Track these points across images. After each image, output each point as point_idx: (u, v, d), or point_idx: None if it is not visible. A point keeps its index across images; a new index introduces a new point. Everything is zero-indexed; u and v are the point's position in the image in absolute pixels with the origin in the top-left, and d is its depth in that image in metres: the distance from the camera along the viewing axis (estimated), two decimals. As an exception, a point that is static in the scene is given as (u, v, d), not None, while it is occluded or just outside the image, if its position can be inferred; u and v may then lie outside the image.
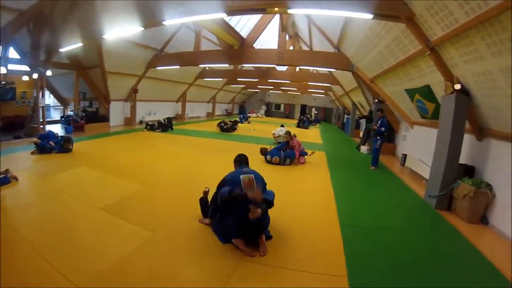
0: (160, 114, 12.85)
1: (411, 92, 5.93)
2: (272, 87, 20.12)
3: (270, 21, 9.14)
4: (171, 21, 5.41)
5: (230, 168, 3.24)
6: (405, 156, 7.41)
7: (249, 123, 16.83)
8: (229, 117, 18.63)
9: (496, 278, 2.50)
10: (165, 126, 10.52)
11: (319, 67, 9.59)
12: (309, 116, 21.29)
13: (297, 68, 12.78)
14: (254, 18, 9.60)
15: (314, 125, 19.45)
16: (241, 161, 3.20)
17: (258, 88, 22.03)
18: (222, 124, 11.75)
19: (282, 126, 10.49)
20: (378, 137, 6.71)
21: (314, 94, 23.02)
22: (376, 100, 8.63)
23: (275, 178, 5.01)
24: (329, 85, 14.65)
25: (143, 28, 5.84)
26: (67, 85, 11.00)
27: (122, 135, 9.24)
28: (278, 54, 8.17)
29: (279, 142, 8.98)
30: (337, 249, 2.78)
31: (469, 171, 4.25)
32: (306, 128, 16.51)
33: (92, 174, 4.79)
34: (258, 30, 8.69)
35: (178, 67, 9.97)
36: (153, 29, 8.05)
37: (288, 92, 24.09)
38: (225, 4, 4.69)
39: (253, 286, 2.14)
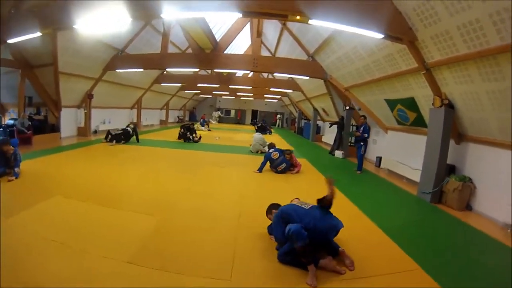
0: (115, 123, 12.42)
1: (392, 102, 7.50)
2: (228, 93, 20.89)
3: (245, 25, 9.78)
4: (173, 14, 5.50)
5: (238, 185, 3.77)
6: (380, 158, 9.12)
7: (209, 130, 17.32)
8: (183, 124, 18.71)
9: (479, 235, 4.09)
10: (130, 136, 9.97)
11: (294, 75, 10.74)
12: (264, 122, 22.73)
13: (267, 75, 13.81)
14: (228, 22, 10.07)
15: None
16: (276, 204, 3.43)
17: (212, 94, 22.67)
18: (188, 135, 11.63)
19: (258, 132, 11.24)
20: (362, 143, 8.11)
21: (268, 99, 24.91)
22: (348, 107, 10.26)
23: (291, 187, 5.73)
24: (291, 91, 16.17)
25: (131, 19, 5.74)
26: (8, 88, 9.65)
27: (80, 149, 8.53)
28: (253, 60, 8.92)
29: (262, 152, 9.74)
30: (394, 248, 3.45)
31: (451, 169, 5.85)
32: (270, 133, 17.80)
33: (76, 206, 3.98)
34: (231, 35, 9.22)
35: (137, 70, 9.70)
36: (118, 25, 7.74)
37: (241, 98, 25.27)
38: (243, 4, 4.96)
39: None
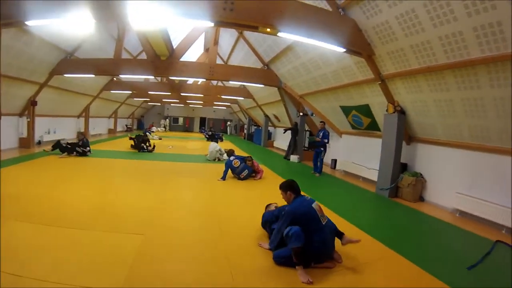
0: (61, 132, 11.73)
1: (348, 109, 8.46)
2: (177, 100, 20.78)
3: (202, 33, 9.88)
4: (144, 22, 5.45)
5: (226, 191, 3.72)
6: (335, 161, 10.10)
7: (160, 139, 17.11)
8: (132, 133, 17.92)
9: (433, 221, 5.06)
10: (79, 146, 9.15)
11: (249, 83, 11.23)
12: (212, 129, 23.22)
13: (216, 82, 14.07)
14: (185, 29, 10.03)
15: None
16: (297, 187, 3.37)
17: (162, 102, 22.18)
18: (142, 144, 11.25)
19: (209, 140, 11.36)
20: (322, 148, 8.91)
21: (217, 107, 25.52)
22: (301, 114, 11.13)
23: (257, 194, 6.13)
24: (242, 98, 16.70)
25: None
26: None
27: (24, 163, 7.52)
28: (210, 69, 9.16)
29: (219, 160, 9.99)
30: (369, 239, 3.98)
31: (404, 167, 6.90)
32: (221, 140, 18.05)
33: (38, 231, 3.40)
34: (188, 42, 9.25)
35: (87, 76, 9.02)
36: (68, 26, 7.16)
37: (190, 105, 25.38)
38: (218, 15, 5.09)
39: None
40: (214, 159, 10.29)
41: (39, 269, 2.54)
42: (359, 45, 5.94)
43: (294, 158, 11.39)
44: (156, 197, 5.33)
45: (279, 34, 5.58)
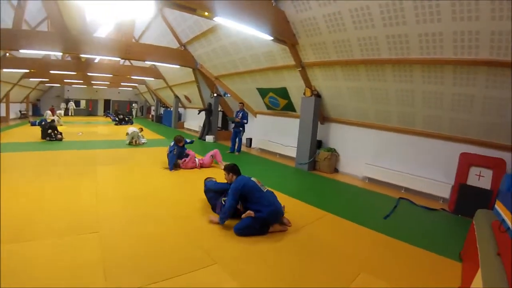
0: None
1: (264, 91, 9.27)
2: (81, 81, 18.02)
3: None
4: None
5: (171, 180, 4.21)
6: (250, 139, 11.00)
7: (61, 124, 14.71)
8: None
9: (349, 186, 6.50)
10: None
11: (165, 63, 10.66)
12: (120, 112, 21.45)
13: (123, 61, 12.73)
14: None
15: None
16: (238, 169, 4.11)
17: (63, 83, 18.90)
18: (50, 132, 9.79)
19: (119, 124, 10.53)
20: (241, 128, 9.57)
21: (123, 88, 23.85)
22: (215, 94, 11.43)
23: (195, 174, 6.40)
24: (152, 78, 15.77)
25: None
26: None
27: None
28: (127, 47, 8.37)
29: (138, 143, 9.59)
30: (302, 205, 5.25)
31: (319, 144, 8.30)
32: (132, 123, 16.98)
33: None
34: (102, 16, 8.01)
35: None
36: None
37: (94, 87, 22.62)
38: None
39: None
40: (135, 143, 9.97)
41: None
42: (285, 35, 6.64)
43: (209, 138, 11.73)
44: (90, 190, 4.86)
45: (215, 18, 5.76)
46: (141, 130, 10.98)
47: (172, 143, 7.02)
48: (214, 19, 5.80)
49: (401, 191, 6.19)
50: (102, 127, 15.99)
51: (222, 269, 2.78)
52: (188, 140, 7.56)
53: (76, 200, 4.36)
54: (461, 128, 5.37)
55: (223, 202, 4.11)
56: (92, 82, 19.59)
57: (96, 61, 13.55)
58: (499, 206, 2.49)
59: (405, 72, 5.37)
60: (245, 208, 3.76)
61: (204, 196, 4.58)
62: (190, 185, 5.72)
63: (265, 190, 3.85)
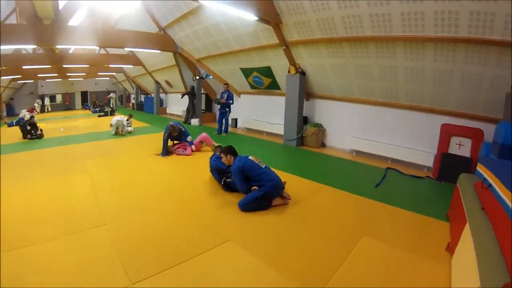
0: None
1: (248, 70, 9.37)
2: (56, 74, 17.09)
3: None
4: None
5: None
6: (236, 120, 11.17)
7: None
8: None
9: (337, 159, 6.95)
10: None
11: (144, 49, 10.44)
12: (98, 103, 21.30)
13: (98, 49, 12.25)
14: None
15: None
16: (235, 151, 4.42)
17: (37, 78, 18.12)
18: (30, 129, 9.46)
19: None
20: (227, 109, 9.69)
21: (100, 77, 23.37)
22: (197, 77, 11.41)
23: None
24: (131, 66, 15.46)
25: None
26: None
27: None
28: (104, 34, 8.13)
29: (116, 133, 9.53)
30: (297, 179, 5.61)
31: (305, 120, 8.61)
32: (113, 114, 16.68)
33: None
34: (76, 2, 7.61)
35: None
36: None
37: (69, 79, 21.92)
38: None
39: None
40: (121, 132, 9.83)
41: None
42: (269, 14, 6.73)
43: (195, 121, 11.78)
44: (85, 185, 4.83)
45: (200, 0, 5.78)
46: (131, 116, 10.89)
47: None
48: (199, 0, 5.81)
49: (387, 161, 6.65)
50: (83, 120, 15.55)
51: (236, 245, 3.02)
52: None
53: (74, 197, 4.30)
54: (442, 101, 5.82)
55: (223, 183, 4.50)
56: (68, 74, 18.79)
57: (70, 51, 13.01)
58: (480, 168, 2.88)
59: (388, 49, 5.67)
60: (249, 186, 4.02)
61: (205, 177, 4.81)
62: (187, 168, 5.93)
63: (264, 166, 4.12)
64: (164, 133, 6.92)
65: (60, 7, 7.37)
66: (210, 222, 3.53)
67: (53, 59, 12.44)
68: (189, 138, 7.13)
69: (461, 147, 5.33)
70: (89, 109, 21.56)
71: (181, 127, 7.16)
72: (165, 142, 6.85)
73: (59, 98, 24.90)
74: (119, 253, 2.82)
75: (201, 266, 2.66)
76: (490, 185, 2.44)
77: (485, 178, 2.64)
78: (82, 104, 25.46)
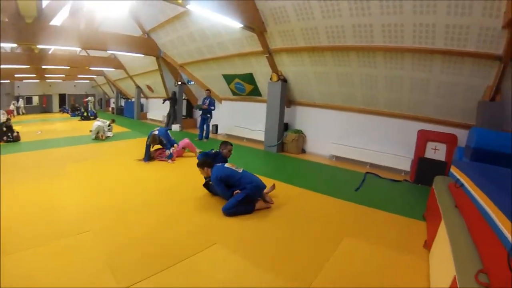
0: None
1: (230, 77, 9.49)
2: (34, 75, 16.63)
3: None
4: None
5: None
6: (216, 126, 11.21)
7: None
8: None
9: (317, 164, 7.16)
10: None
11: (128, 52, 10.34)
12: (77, 106, 20.65)
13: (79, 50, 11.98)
14: None
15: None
16: (210, 162, 4.42)
17: (14, 78, 17.60)
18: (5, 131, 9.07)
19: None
20: (209, 115, 9.72)
21: (79, 80, 22.93)
22: (180, 83, 11.42)
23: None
24: (112, 69, 15.21)
25: None
26: None
27: None
28: (87, 36, 8.02)
29: (96, 137, 9.31)
30: (278, 183, 5.77)
31: (286, 126, 8.79)
32: (95, 118, 15.89)
33: None
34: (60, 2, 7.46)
35: None
36: None
37: (47, 80, 21.15)
38: None
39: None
40: (101, 137, 9.57)
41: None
42: (254, 22, 6.90)
43: (175, 127, 11.70)
44: (68, 190, 4.71)
45: (187, 6, 5.85)
46: (113, 121, 10.67)
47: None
48: (187, 6, 5.88)
49: (366, 166, 6.91)
50: (61, 124, 15.04)
51: (223, 247, 3.06)
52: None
53: (56, 202, 4.13)
54: (419, 108, 6.19)
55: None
56: (46, 75, 18.17)
57: (50, 52, 12.68)
58: (454, 170, 3.10)
59: (369, 58, 5.96)
60: (231, 191, 4.06)
61: (188, 181, 4.83)
62: (170, 173, 5.90)
63: (241, 171, 4.20)
64: (147, 139, 6.85)
65: (44, 5, 7.24)
66: (196, 226, 3.55)
67: (32, 59, 12.10)
68: (171, 149, 6.92)
69: (436, 151, 5.66)
70: (67, 112, 20.90)
71: (162, 138, 6.99)
72: (147, 148, 6.77)
73: (35, 100, 23.93)
74: (106, 258, 2.77)
75: (189, 269, 2.67)
76: (463, 184, 2.64)
77: (458, 179, 2.85)
78: (60, 107, 24.58)
